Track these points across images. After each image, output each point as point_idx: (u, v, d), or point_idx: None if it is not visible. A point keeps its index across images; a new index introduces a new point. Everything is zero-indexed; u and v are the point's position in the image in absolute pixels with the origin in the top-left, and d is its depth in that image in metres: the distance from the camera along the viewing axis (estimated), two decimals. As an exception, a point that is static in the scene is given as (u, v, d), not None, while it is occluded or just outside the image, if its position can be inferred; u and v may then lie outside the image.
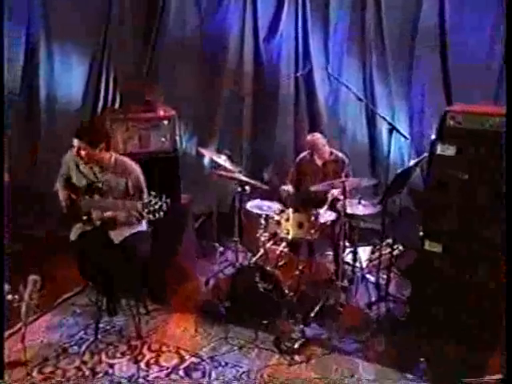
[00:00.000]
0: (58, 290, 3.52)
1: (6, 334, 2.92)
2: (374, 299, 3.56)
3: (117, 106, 4.74)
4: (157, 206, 2.63)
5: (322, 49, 4.58)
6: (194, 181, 4.49)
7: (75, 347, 3.03)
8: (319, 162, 3.89)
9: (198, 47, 4.71)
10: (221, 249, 4.06)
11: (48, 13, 4.52)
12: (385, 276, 3.66)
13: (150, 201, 2.63)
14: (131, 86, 4.63)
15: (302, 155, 4.01)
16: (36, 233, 4.34)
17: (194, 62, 4.75)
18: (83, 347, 3.03)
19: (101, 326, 3.17)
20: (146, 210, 2.64)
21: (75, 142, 2.89)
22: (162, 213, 2.65)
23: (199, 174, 4.76)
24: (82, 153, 2.87)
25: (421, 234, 3.15)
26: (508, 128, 2.69)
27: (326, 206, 3.58)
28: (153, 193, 2.68)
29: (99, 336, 3.09)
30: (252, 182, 3.55)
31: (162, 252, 3.49)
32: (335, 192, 3.59)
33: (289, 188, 3.86)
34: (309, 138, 3.94)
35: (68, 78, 4.71)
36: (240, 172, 3.60)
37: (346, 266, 3.79)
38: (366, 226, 4.24)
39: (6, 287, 3.16)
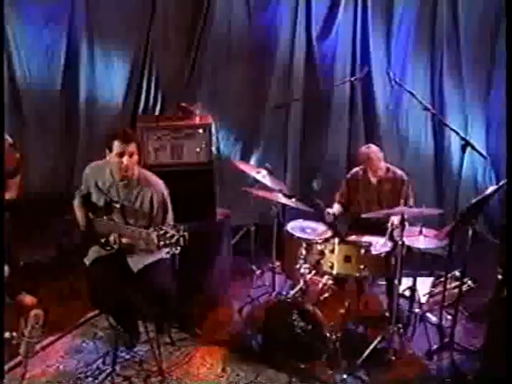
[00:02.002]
0: (83, 307, 3.28)
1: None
2: (435, 347, 2.99)
3: (158, 109, 4.50)
4: (173, 240, 2.30)
5: (383, 49, 4.10)
6: (236, 190, 4.13)
7: (90, 379, 2.78)
8: (374, 180, 3.37)
9: (245, 47, 4.37)
10: (258, 272, 3.66)
11: (90, 12, 4.35)
12: (449, 317, 3.11)
13: (166, 232, 2.31)
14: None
15: (353, 171, 3.51)
16: (70, 238, 4.17)
17: (240, 62, 4.40)
18: (99, 379, 2.77)
19: (121, 354, 2.91)
20: (161, 243, 2.32)
21: (119, 146, 2.55)
22: (178, 247, 2.32)
23: (242, 183, 4.39)
24: (127, 159, 2.56)
25: (499, 277, 2.56)
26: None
27: (383, 239, 3.02)
28: (171, 223, 2.39)
29: (117, 367, 2.82)
30: (292, 204, 3.11)
31: (192, 274, 3.20)
32: (395, 220, 3.03)
33: (336, 208, 3.38)
34: (363, 150, 3.43)
35: (109, 79, 4.53)
36: (280, 191, 3.17)
37: (402, 301, 3.25)
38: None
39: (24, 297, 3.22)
